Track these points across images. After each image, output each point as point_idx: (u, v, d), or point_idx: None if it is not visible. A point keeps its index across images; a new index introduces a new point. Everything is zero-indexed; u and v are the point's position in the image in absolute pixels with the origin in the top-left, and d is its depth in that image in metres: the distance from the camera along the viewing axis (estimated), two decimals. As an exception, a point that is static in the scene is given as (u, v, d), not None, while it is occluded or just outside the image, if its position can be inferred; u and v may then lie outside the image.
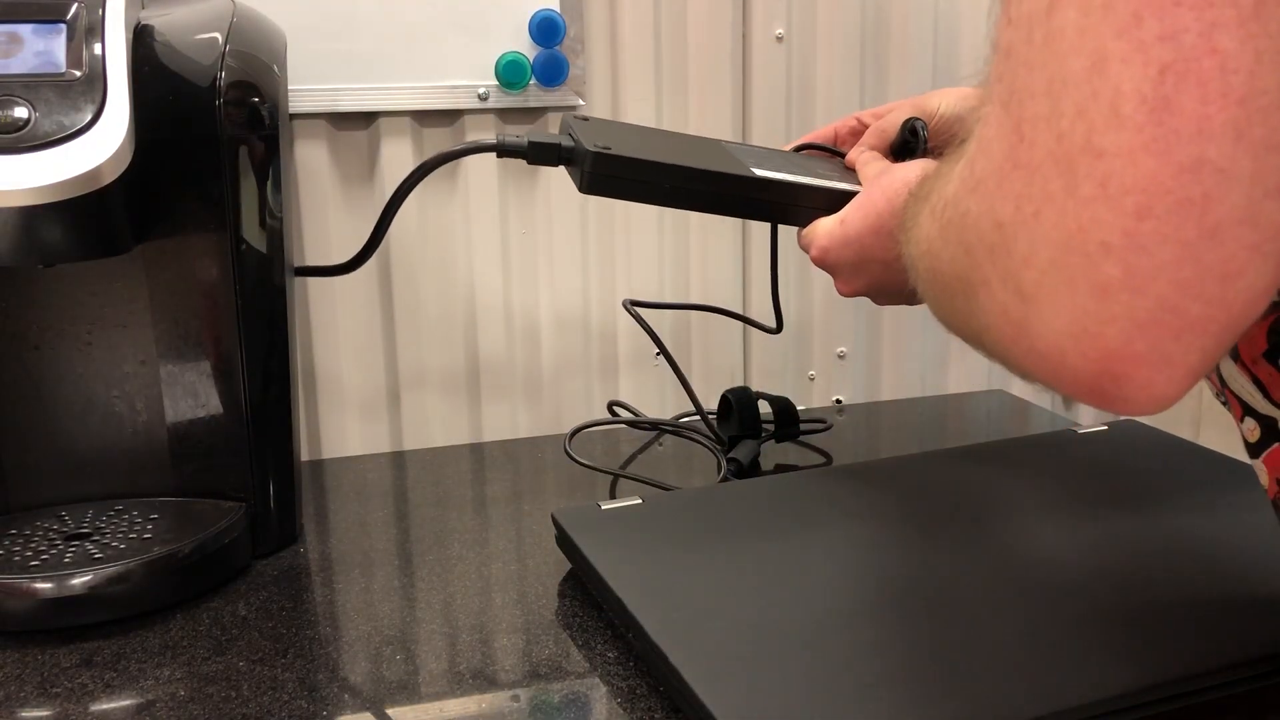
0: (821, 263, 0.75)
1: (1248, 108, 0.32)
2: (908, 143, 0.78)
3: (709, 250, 1.07)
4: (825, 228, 0.74)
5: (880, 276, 0.71)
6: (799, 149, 0.85)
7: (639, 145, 0.75)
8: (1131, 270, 0.34)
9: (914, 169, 0.69)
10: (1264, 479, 0.50)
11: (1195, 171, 0.33)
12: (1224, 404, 0.52)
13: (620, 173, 0.73)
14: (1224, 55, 0.32)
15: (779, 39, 1.05)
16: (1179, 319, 0.34)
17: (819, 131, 0.87)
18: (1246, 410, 0.50)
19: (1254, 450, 0.50)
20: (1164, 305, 0.34)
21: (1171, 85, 0.32)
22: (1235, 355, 0.49)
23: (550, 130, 1.00)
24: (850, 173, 0.80)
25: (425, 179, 0.81)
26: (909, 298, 0.73)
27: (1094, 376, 0.36)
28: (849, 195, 0.75)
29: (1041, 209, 0.35)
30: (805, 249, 0.77)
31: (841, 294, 0.75)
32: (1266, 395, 0.48)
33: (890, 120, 0.80)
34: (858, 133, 0.83)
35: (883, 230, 0.68)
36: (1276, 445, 0.48)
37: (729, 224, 1.06)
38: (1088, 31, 0.34)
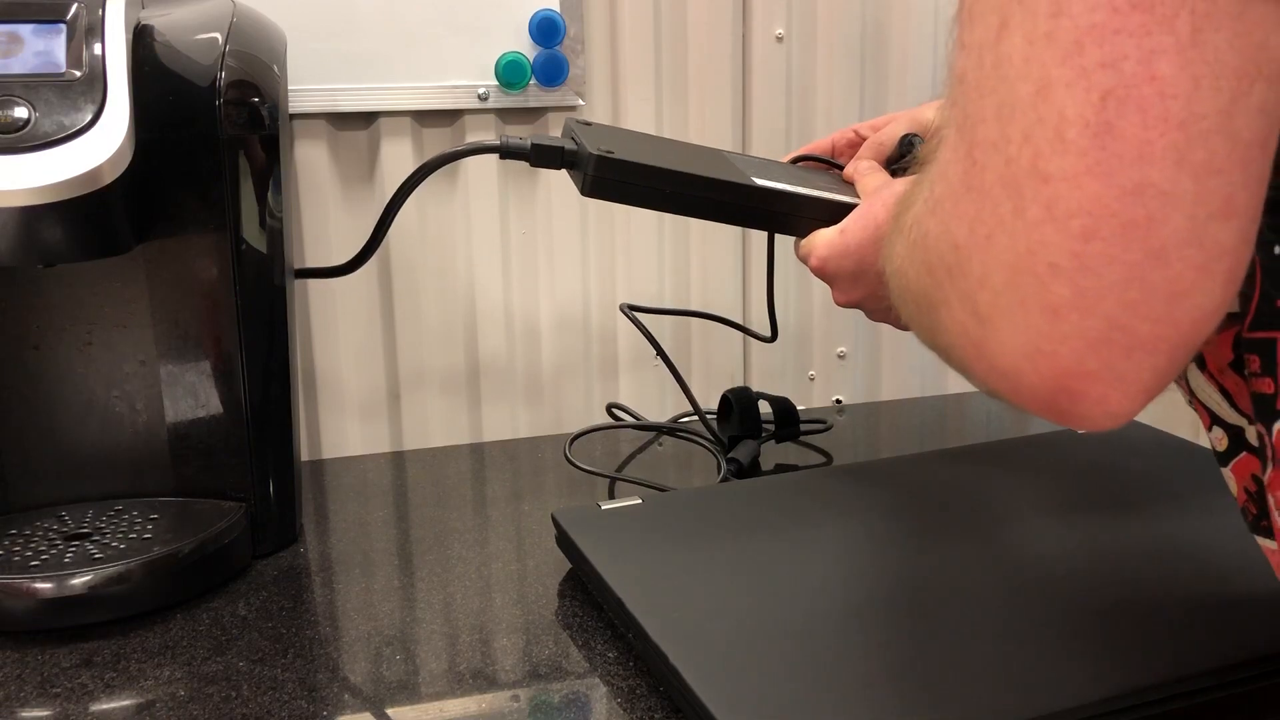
0: (821, 272, 0.75)
1: (1188, 132, 0.33)
2: (905, 156, 0.78)
3: (709, 252, 1.07)
4: (825, 238, 0.74)
5: (877, 288, 0.71)
6: (797, 160, 0.86)
7: (642, 151, 0.75)
8: (1080, 291, 0.34)
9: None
10: (1233, 487, 0.50)
11: (1138, 194, 0.33)
12: (1196, 411, 0.52)
13: (622, 177, 0.73)
14: (1163, 81, 0.33)
15: (779, 39, 1.05)
16: (1129, 338, 0.35)
17: (817, 143, 0.87)
18: (1214, 419, 0.50)
19: (1223, 459, 0.50)
20: (1113, 324, 0.35)
21: (1113, 111, 0.33)
22: (1202, 365, 0.49)
23: (552, 132, 1.00)
24: (848, 185, 0.80)
25: (425, 179, 0.81)
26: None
27: (1050, 394, 0.37)
28: (848, 207, 0.75)
29: (993, 232, 0.36)
30: (804, 259, 0.77)
31: (838, 304, 0.76)
32: (1233, 404, 0.48)
33: (888, 133, 0.80)
34: (855, 145, 0.84)
35: (881, 242, 0.68)
36: (1244, 454, 0.49)
37: (729, 227, 1.06)
38: (1033, 59, 0.34)
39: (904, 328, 0.74)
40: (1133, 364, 0.35)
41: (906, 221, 0.44)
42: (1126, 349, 0.35)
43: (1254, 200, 0.35)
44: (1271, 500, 0.45)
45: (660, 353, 0.95)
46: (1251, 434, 0.48)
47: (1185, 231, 0.34)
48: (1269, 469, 0.45)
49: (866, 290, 0.72)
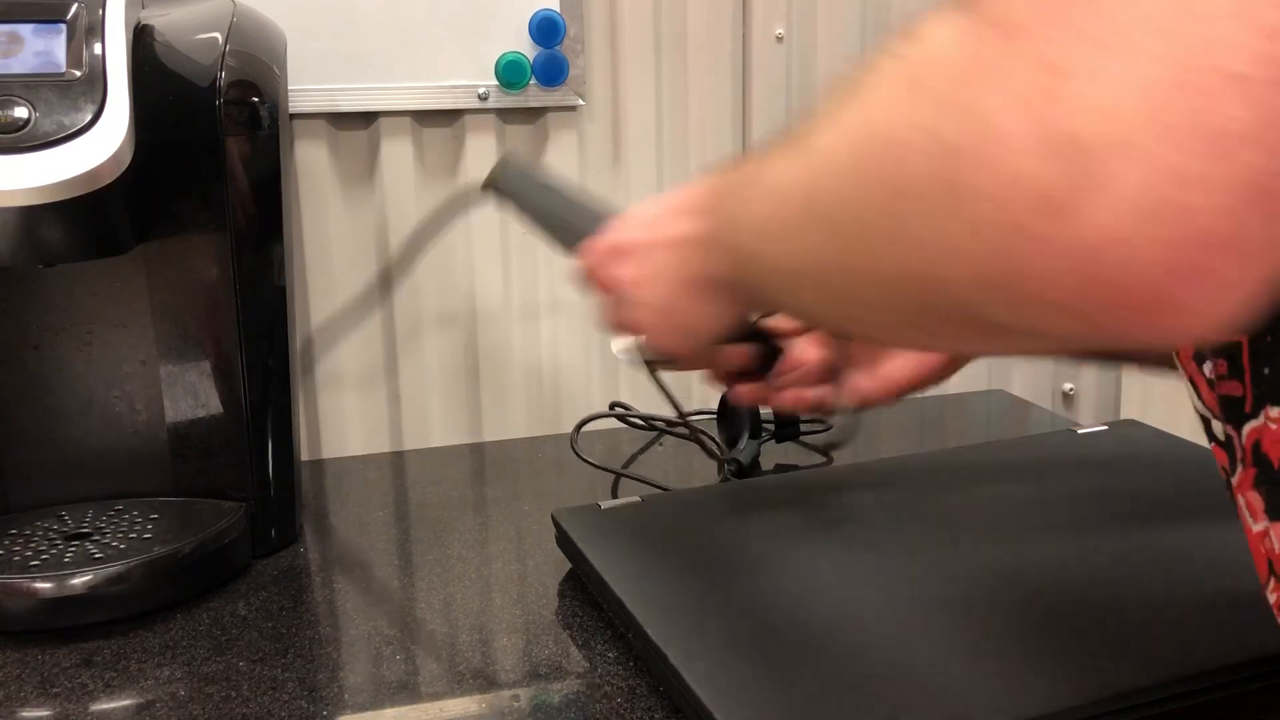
0: (600, 259, 0.63)
1: None
2: None
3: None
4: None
5: (658, 262, 0.59)
6: None
7: (532, 188, 0.75)
8: (1262, 113, 0.25)
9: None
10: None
11: None
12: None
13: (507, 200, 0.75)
14: None
15: (779, 39, 1.05)
16: None
17: None
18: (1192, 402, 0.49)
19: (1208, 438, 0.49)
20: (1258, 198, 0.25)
21: None
22: (1178, 353, 0.48)
23: (551, 132, 1.00)
24: None
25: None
26: (669, 300, 0.59)
27: (1159, 271, 0.26)
28: None
29: (1135, 33, 0.26)
30: (581, 265, 0.66)
31: (611, 292, 0.62)
32: (1198, 396, 0.48)
33: None
34: None
35: (671, 212, 0.59)
36: (1214, 445, 0.48)
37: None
38: None
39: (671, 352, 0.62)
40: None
41: (831, 132, 0.36)
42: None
43: None
44: (1242, 501, 0.45)
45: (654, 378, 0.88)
46: (1217, 428, 0.47)
47: None
48: (1238, 470, 0.44)
49: (643, 269, 0.60)
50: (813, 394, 0.72)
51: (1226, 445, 0.45)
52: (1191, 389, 0.48)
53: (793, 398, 0.72)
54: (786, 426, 0.98)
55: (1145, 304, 0.27)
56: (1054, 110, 0.27)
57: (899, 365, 0.72)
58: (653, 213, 0.61)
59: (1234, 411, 0.43)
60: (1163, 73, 0.25)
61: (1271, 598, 0.45)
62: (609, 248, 0.63)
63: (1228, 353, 0.43)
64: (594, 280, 0.65)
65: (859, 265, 0.36)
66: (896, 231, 0.32)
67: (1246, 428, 0.43)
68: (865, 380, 0.73)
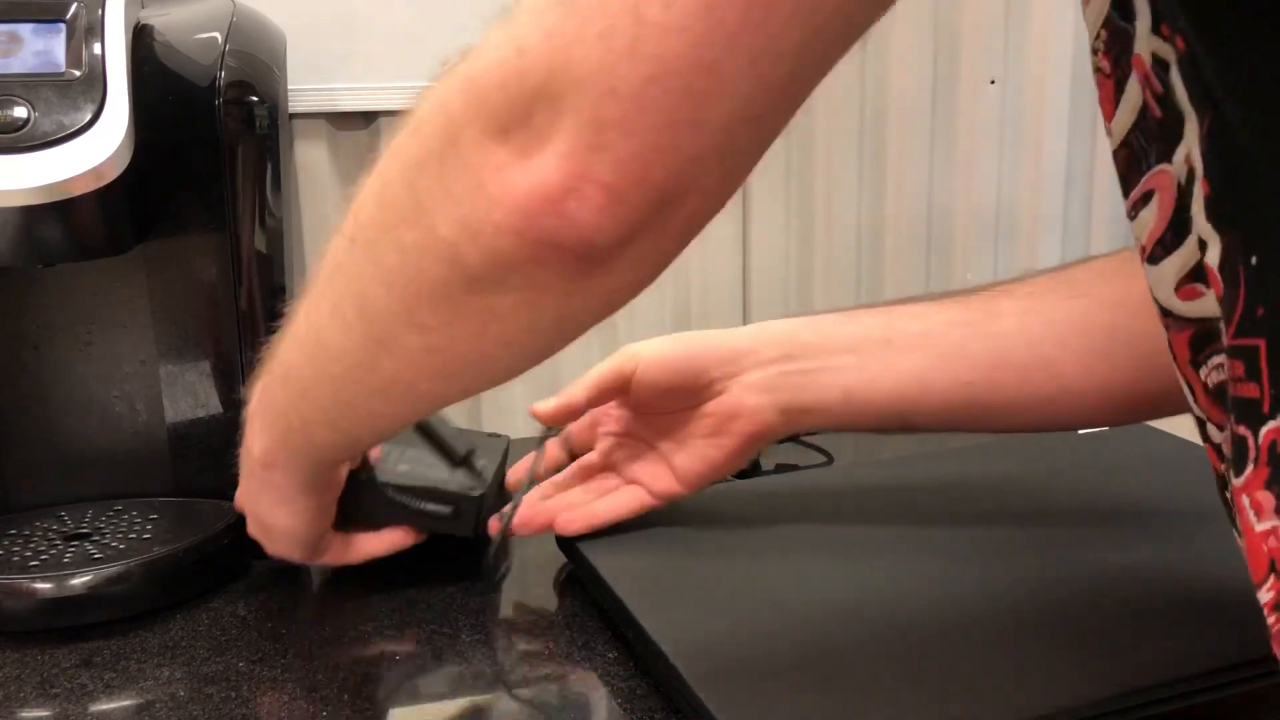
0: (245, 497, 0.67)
1: (768, 37, 0.37)
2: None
3: (708, 258, 1.06)
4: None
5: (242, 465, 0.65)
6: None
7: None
8: (626, 119, 0.37)
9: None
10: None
11: (709, 71, 0.36)
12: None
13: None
14: None
15: (779, 39, 1.05)
16: (645, 176, 0.39)
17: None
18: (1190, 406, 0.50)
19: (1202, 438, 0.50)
20: (639, 158, 0.38)
21: None
22: (1175, 359, 0.49)
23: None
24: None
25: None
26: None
27: (559, 192, 0.39)
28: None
29: (574, 44, 0.38)
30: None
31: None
32: (1194, 399, 0.48)
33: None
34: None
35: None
36: (1208, 446, 0.48)
37: (729, 231, 1.06)
38: None
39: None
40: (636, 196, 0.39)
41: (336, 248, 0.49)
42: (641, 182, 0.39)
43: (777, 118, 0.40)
44: (1245, 500, 0.45)
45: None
46: (1212, 431, 0.47)
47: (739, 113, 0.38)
48: (1247, 469, 0.44)
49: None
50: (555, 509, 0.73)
51: (1236, 445, 0.45)
52: (1189, 392, 0.48)
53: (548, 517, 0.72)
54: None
55: (550, 211, 0.39)
56: (512, 91, 0.42)
57: (687, 455, 0.71)
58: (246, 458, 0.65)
59: (1250, 413, 0.43)
60: (586, 74, 0.37)
61: (1267, 596, 0.45)
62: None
63: (1245, 355, 0.43)
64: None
65: (376, 264, 0.47)
66: (405, 213, 0.46)
67: (1264, 429, 0.43)
68: (659, 478, 0.73)
